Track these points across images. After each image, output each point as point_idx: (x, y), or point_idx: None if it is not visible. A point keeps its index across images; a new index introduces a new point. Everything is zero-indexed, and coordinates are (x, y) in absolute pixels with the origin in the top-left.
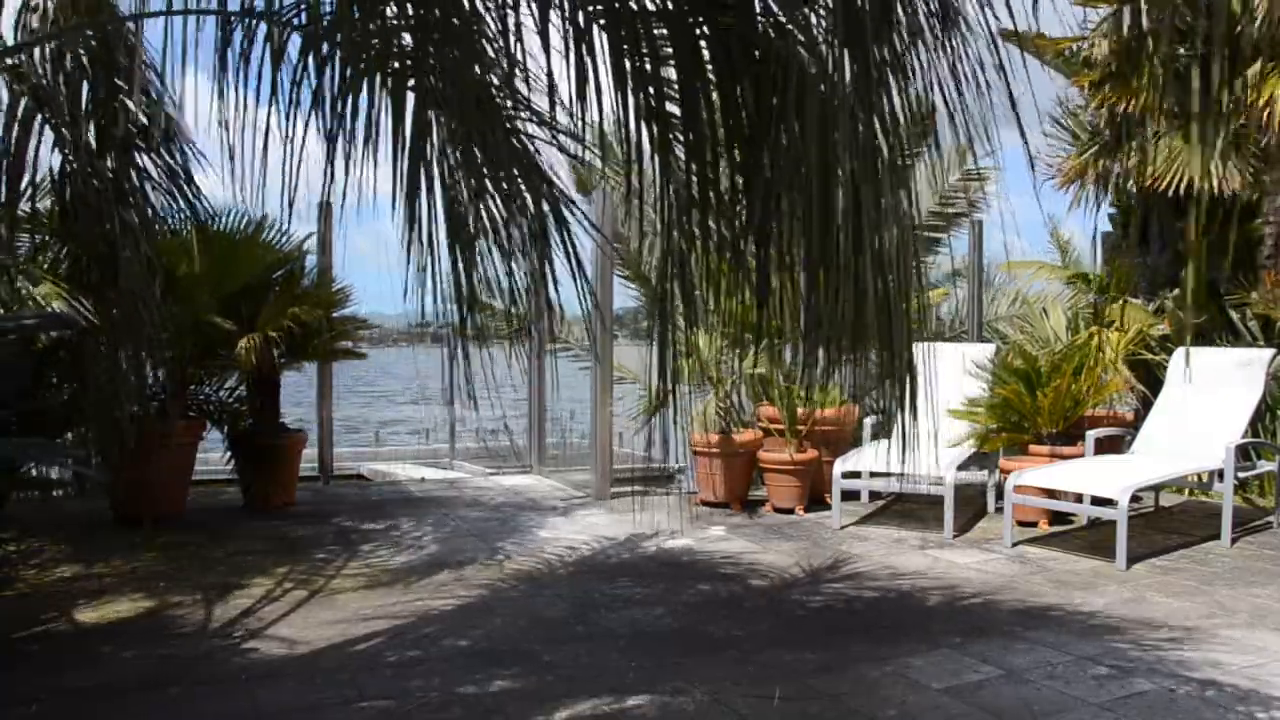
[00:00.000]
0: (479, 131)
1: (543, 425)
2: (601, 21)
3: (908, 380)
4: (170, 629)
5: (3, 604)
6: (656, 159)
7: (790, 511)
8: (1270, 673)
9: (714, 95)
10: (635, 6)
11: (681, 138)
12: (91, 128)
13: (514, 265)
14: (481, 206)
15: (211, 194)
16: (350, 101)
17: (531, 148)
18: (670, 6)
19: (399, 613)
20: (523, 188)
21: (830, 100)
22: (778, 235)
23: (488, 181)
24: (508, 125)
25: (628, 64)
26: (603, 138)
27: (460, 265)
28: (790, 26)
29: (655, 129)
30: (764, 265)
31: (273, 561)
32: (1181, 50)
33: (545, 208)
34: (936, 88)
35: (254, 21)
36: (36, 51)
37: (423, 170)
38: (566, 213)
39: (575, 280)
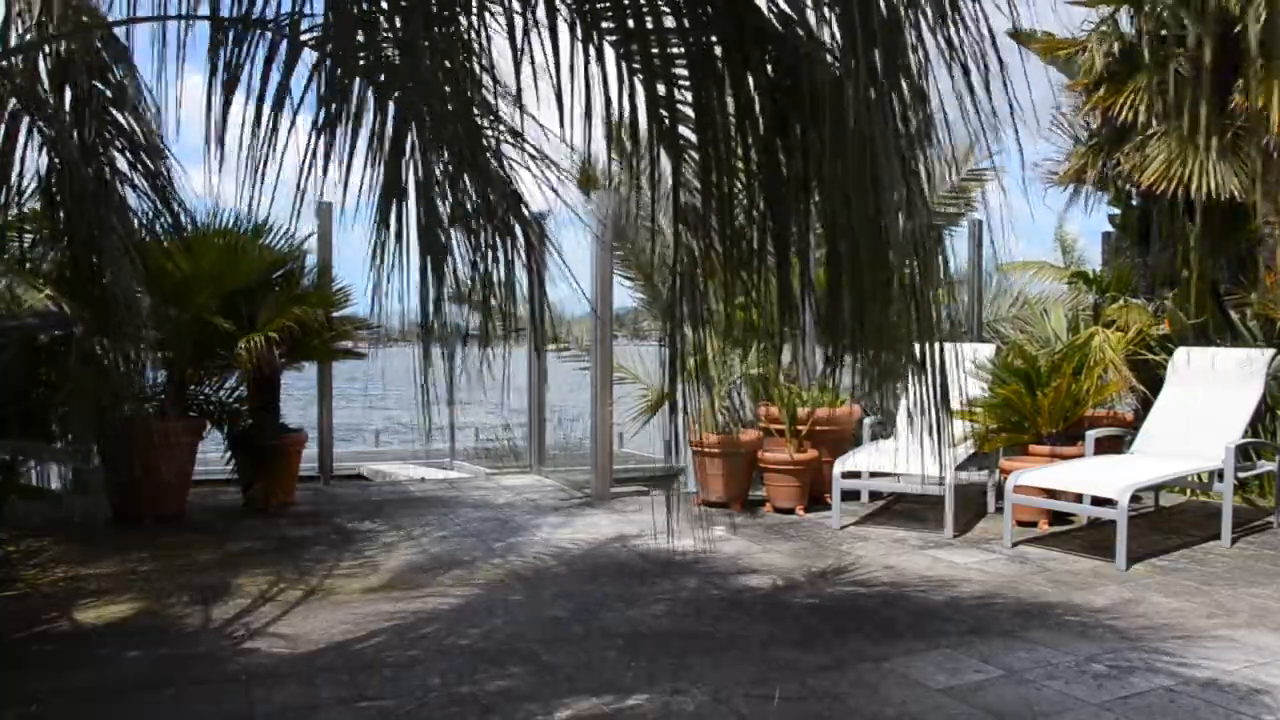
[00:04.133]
0: (457, 147)
1: (543, 425)
2: (611, 24)
3: (942, 375)
4: (170, 629)
5: (3, 604)
6: (668, 162)
7: (790, 511)
8: (1270, 673)
9: (727, 94)
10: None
11: (694, 139)
12: (76, 131)
13: (508, 269)
14: (458, 217)
15: (211, 194)
16: (338, 108)
17: (513, 155)
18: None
19: (399, 612)
20: (499, 206)
21: (843, 93)
22: (796, 235)
23: (464, 194)
24: (485, 140)
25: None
26: (608, 137)
27: (430, 272)
28: (795, 17)
29: (667, 125)
30: (784, 266)
31: (272, 561)
32: (1179, 50)
33: (511, 219)
34: (938, 84)
35: (248, 29)
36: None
37: (404, 176)
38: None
39: (532, 310)
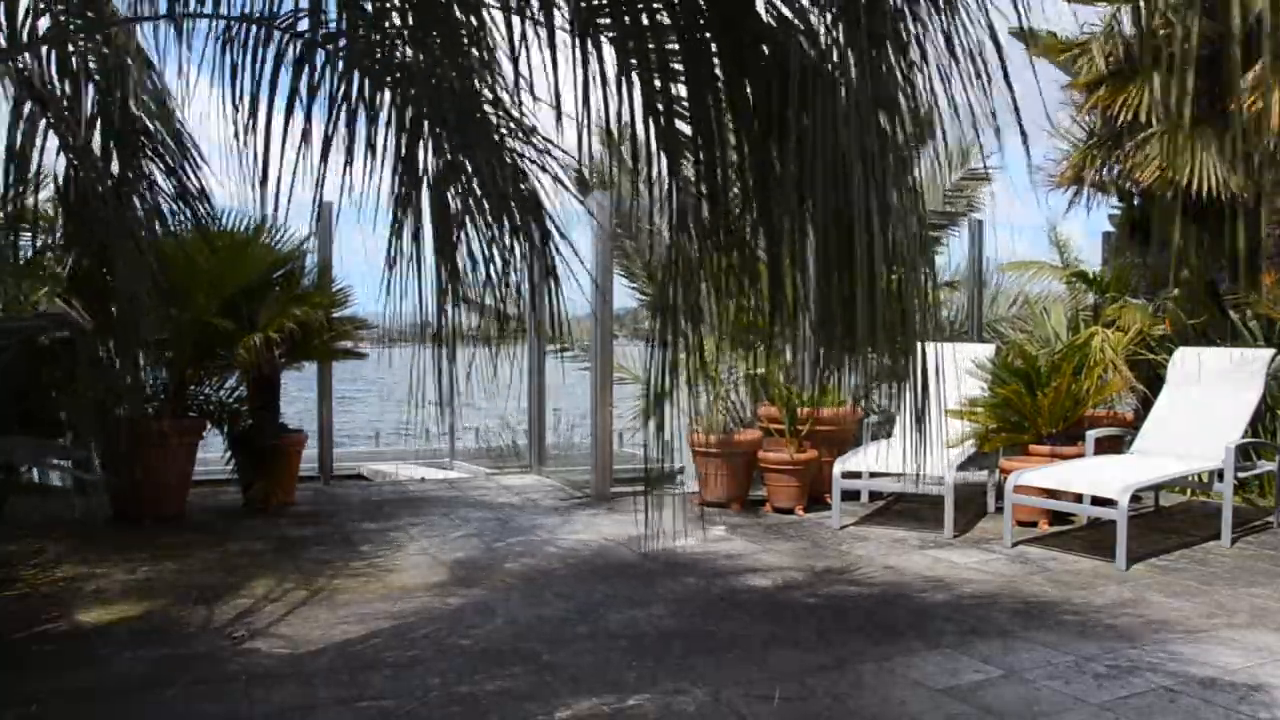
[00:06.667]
0: (469, 144)
1: (543, 425)
2: (608, 21)
3: (924, 378)
4: (170, 629)
5: (3, 604)
6: (664, 162)
7: (790, 511)
8: (1270, 673)
9: (721, 92)
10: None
11: (690, 139)
12: (96, 131)
13: (511, 270)
14: (469, 214)
15: (212, 194)
16: (348, 106)
17: (521, 159)
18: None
19: (399, 612)
20: (513, 205)
21: (835, 89)
22: (789, 233)
23: (476, 190)
24: (496, 137)
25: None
26: (609, 136)
27: (444, 270)
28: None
29: (660, 126)
30: (776, 264)
31: (272, 561)
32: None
33: (529, 221)
34: (938, 83)
35: (255, 27)
36: (42, 53)
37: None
38: (551, 228)
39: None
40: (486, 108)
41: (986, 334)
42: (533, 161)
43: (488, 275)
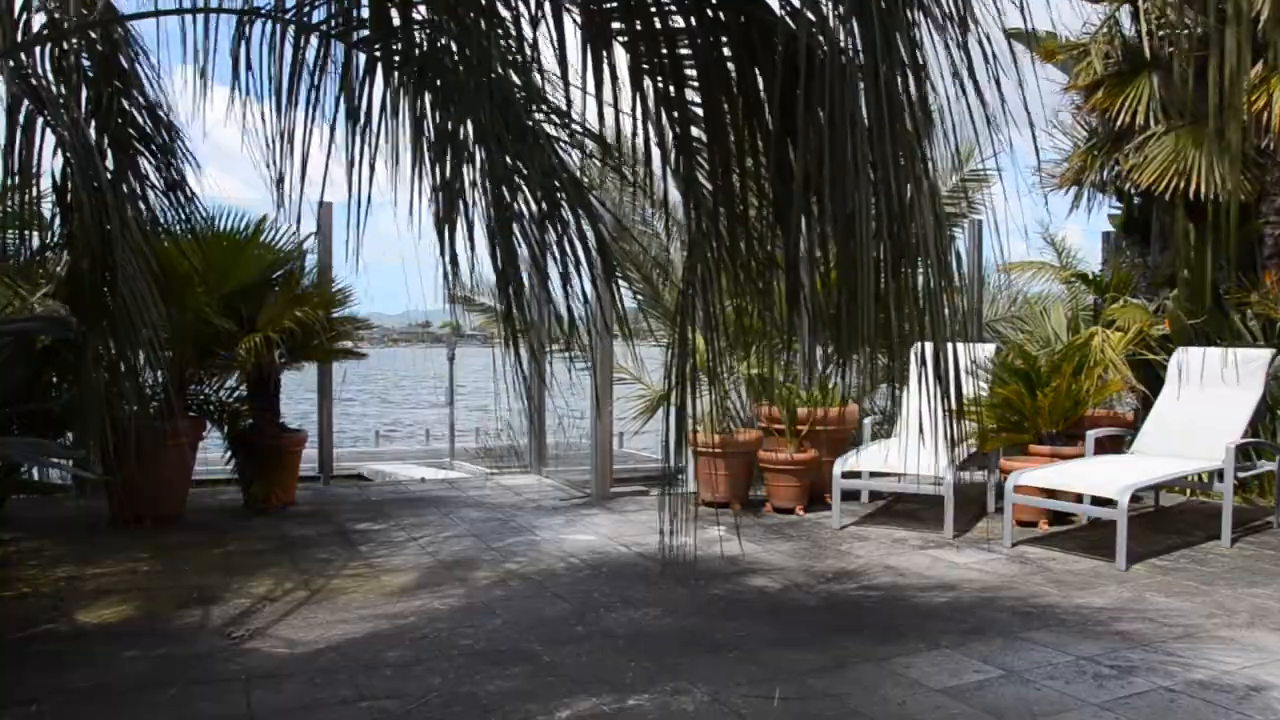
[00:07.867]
0: (505, 136)
1: (543, 425)
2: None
3: (956, 374)
4: (169, 629)
5: (3, 604)
6: (678, 164)
7: (790, 511)
8: (1270, 673)
9: (735, 93)
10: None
11: (704, 144)
12: (92, 129)
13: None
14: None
15: (213, 193)
16: (365, 101)
17: (558, 152)
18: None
19: (399, 613)
20: (566, 198)
21: (853, 89)
22: (808, 232)
23: (515, 187)
24: (530, 125)
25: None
26: (603, 139)
27: (506, 273)
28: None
29: (675, 128)
30: (794, 263)
31: (272, 561)
32: (1181, 49)
33: (580, 219)
34: (941, 82)
35: (266, 21)
36: (37, 51)
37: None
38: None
39: (594, 282)
40: (518, 92)
41: (986, 334)
42: (592, 157)
43: (544, 276)
